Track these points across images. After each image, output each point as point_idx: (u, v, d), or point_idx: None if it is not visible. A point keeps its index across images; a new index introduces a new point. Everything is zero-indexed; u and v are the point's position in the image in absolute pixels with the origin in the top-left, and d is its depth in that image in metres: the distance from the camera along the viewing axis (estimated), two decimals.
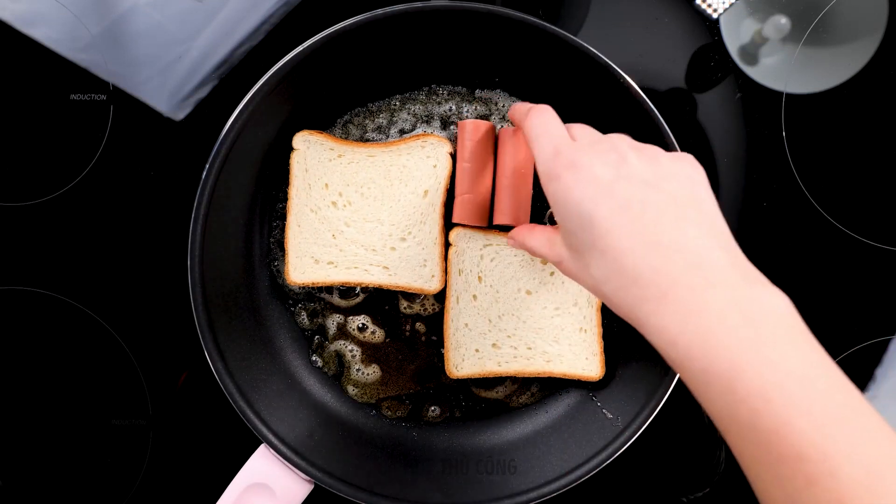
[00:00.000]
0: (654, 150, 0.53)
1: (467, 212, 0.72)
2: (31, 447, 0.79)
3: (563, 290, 0.74)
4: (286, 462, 0.70)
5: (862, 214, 0.78)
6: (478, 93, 0.76)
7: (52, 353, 0.79)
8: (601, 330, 0.74)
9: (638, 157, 0.52)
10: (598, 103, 0.72)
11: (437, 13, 0.69)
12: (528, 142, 0.58)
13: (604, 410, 0.74)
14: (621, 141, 0.54)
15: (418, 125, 0.76)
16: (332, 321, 0.77)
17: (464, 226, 0.74)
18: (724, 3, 0.77)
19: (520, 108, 0.64)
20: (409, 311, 0.77)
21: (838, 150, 0.78)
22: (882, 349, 0.78)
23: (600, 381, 0.75)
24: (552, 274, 0.74)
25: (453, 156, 0.74)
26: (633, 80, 0.68)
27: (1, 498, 0.79)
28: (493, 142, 0.73)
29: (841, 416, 0.42)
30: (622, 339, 0.76)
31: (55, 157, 0.78)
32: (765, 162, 0.78)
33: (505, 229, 0.75)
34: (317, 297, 0.77)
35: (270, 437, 0.70)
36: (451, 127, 0.76)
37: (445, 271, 0.74)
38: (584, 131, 0.57)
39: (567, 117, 0.76)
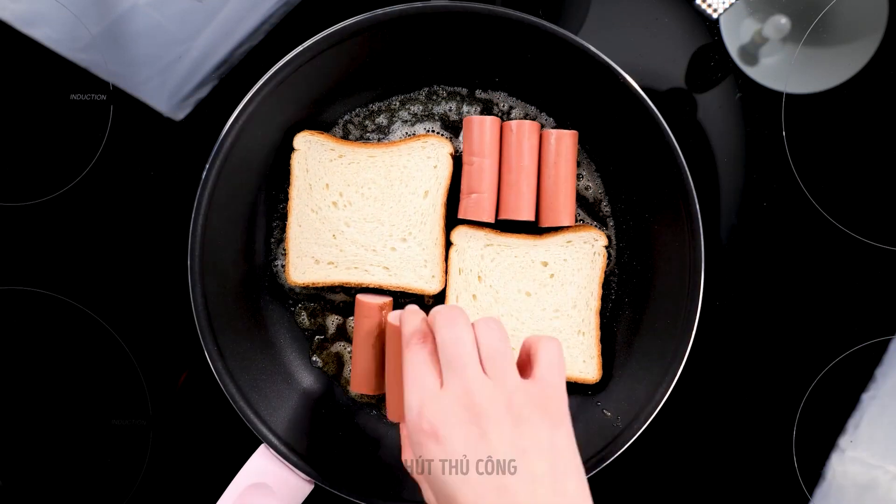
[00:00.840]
0: (519, 410, 0.51)
1: (473, 208, 0.72)
2: (31, 447, 0.79)
3: (562, 293, 0.74)
4: (286, 462, 0.70)
5: (862, 214, 0.78)
6: (478, 93, 0.76)
7: (52, 353, 0.79)
8: (599, 333, 0.74)
9: (498, 429, 0.50)
10: (598, 103, 0.72)
11: (437, 13, 0.69)
12: (403, 370, 0.56)
13: (604, 410, 0.74)
14: (490, 400, 0.51)
15: (418, 125, 0.76)
16: (332, 321, 0.77)
17: (468, 224, 0.74)
18: (724, 3, 0.77)
19: (411, 320, 0.59)
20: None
21: (838, 150, 0.78)
22: (882, 349, 0.78)
23: (599, 381, 0.74)
24: (552, 276, 0.74)
25: (454, 156, 0.74)
26: (634, 80, 0.68)
27: (1, 498, 0.79)
28: (499, 137, 0.73)
29: None
30: (622, 339, 0.76)
31: (55, 157, 0.78)
32: (765, 162, 0.78)
33: (510, 226, 0.75)
34: (317, 297, 0.77)
35: (270, 437, 0.71)
36: (452, 127, 0.76)
37: (446, 272, 0.74)
38: (467, 360, 0.53)
39: (567, 117, 0.76)
